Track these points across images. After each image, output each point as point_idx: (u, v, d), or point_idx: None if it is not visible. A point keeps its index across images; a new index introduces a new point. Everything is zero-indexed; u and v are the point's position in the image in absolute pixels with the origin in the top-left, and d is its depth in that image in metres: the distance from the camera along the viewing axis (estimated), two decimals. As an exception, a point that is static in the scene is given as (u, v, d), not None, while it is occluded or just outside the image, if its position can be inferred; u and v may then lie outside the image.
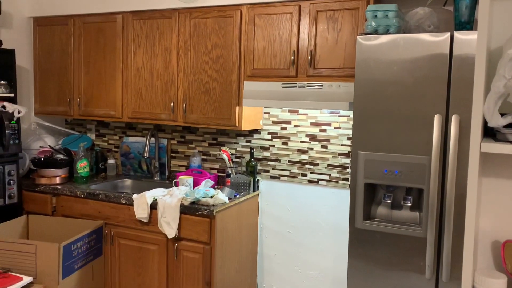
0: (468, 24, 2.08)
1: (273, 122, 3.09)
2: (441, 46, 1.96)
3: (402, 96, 2.05)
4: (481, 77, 0.84)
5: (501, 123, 0.87)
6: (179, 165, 3.45)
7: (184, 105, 2.98)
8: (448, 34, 1.95)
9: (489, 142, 0.89)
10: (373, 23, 2.17)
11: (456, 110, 1.94)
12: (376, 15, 2.17)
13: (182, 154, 3.44)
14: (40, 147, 3.38)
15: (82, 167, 3.22)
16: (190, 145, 3.40)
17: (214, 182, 3.01)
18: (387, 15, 2.15)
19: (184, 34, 2.97)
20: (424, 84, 2.00)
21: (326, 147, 2.94)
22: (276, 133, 3.09)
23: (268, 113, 3.11)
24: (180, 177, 2.95)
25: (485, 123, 0.97)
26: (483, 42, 0.81)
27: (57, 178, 3.18)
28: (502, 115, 0.90)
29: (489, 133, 0.99)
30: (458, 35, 1.93)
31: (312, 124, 2.97)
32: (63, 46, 3.44)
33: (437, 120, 1.96)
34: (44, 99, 3.56)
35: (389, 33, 2.14)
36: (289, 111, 3.04)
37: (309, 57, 2.59)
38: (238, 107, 2.83)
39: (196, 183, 2.95)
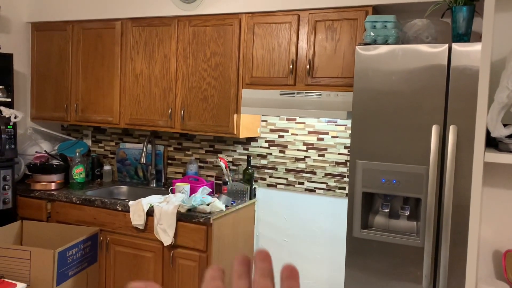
0: (466, 36, 2.11)
1: (271, 130, 3.10)
2: (439, 57, 1.98)
3: (400, 106, 2.07)
4: (485, 88, 0.85)
5: (504, 133, 0.88)
6: (176, 172, 3.44)
7: (182, 112, 2.99)
8: (446, 45, 1.97)
9: (492, 152, 0.90)
10: (372, 34, 2.19)
11: (454, 121, 1.96)
12: (375, 26, 2.20)
13: (179, 161, 3.43)
14: (36, 152, 3.36)
15: (78, 173, 3.21)
16: (187, 152, 3.40)
17: (211, 190, 3.00)
18: (386, 26, 2.18)
19: (183, 41, 2.99)
20: (422, 94, 2.02)
21: (323, 155, 2.95)
22: (274, 141, 3.09)
23: (266, 121, 3.11)
24: (176, 184, 2.94)
25: (486, 133, 0.98)
26: (487, 54, 0.82)
27: (53, 184, 3.16)
28: (504, 125, 0.91)
29: (491, 143, 1.00)
30: (456, 46, 1.96)
31: (310, 132, 2.98)
32: (61, 51, 3.44)
33: (434, 130, 1.98)
34: (41, 104, 3.54)
35: (388, 44, 2.16)
36: (287, 119, 3.05)
37: (308, 66, 2.61)
38: (236, 114, 2.83)
39: (192, 191, 2.94)
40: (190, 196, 2.81)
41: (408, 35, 2.26)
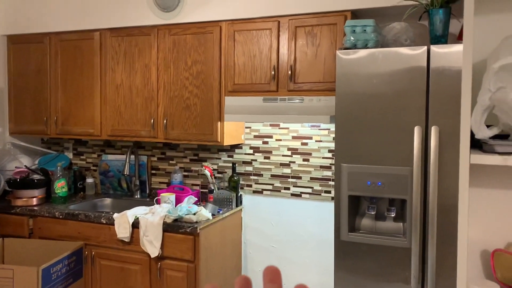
0: (443, 37, 2.15)
1: (255, 136, 3.10)
2: (419, 59, 2.01)
3: (383, 109, 2.09)
4: (468, 91, 0.87)
5: (487, 134, 0.90)
6: (160, 182, 3.41)
7: (165, 121, 2.96)
8: (425, 47, 2.01)
9: (477, 153, 0.91)
10: (352, 38, 2.22)
11: (435, 121, 1.98)
12: (354, 30, 2.22)
13: (163, 171, 3.40)
14: (15, 167, 3.28)
15: (60, 187, 3.14)
16: (171, 162, 3.36)
17: (196, 199, 2.98)
18: (365, 30, 2.20)
19: (163, 50, 2.97)
20: (403, 96, 2.04)
21: (308, 160, 2.95)
22: (258, 148, 3.09)
23: (250, 127, 3.11)
24: (161, 194, 2.91)
25: (470, 135, 0.99)
26: (469, 57, 0.84)
27: (34, 199, 3.09)
28: (488, 126, 0.92)
29: (475, 144, 1.01)
30: (434, 48, 1.99)
31: (294, 137, 2.99)
32: (38, 64, 3.38)
33: (417, 132, 2.00)
34: (20, 118, 3.47)
35: (368, 48, 2.18)
36: (271, 125, 3.05)
37: (289, 72, 2.62)
38: (219, 122, 2.82)
39: (178, 200, 2.92)
40: (175, 206, 2.78)
41: (387, 38, 2.29)
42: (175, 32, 2.93)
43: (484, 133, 0.89)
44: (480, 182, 1.08)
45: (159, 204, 2.88)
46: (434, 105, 1.99)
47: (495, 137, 0.94)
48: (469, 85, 0.86)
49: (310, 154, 2.95)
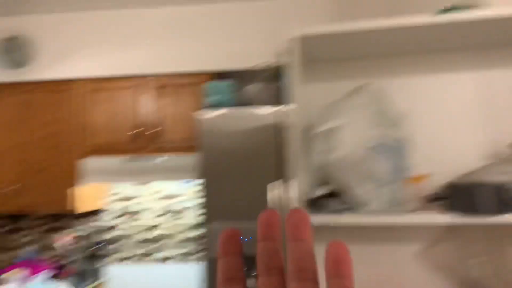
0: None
1: (118, 199, 2.91)
2: (270, 118, 2.13)
3: (243, 165, 2.13)
4: (298, 155, 0.91)
5: (317, 194, 0.95)
6: (3, 261, 2.95)
7: (11, 188, 2.62)
8: (276, 107, 2.14)
9: (315, 213, 0.96)
10: (212, 98, 2.27)
11: (291, 175, 2.08)
12: (214, 91, 2.28)
13: (10, 246, 2.96)
14: None
15: None
16: (22, 233, 2.96)
17: (52, 274, 2.63)
18: (224, 91, 2.28)
19: (11, 109, 2.68)
20: (260, 152, 2.12)
21: (178, 219, 2.86)
22: (123, 211, 2.90)
23: (113, 189, 2.92)
24: (6, 273, 2.51)
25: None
26: (298, 121, 0.89)
27: None
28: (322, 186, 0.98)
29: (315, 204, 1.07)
30: (282, 108, 2.14)
31: (161, 198, 2.88)
32: None
33: (274, 186, 2.08)
34: None
35: (227, 107, 2.25)
36: (136, 185, 2.91)
37: (154, 131, 2.56)
38: (76, 186, 2.60)
39: (30, 278, 2.54)
40: (26, 286, 2.42)
41: (244, 98, 2.40)
42: (25, 90, 2.68)
43: (314, 193, 0.94)
44: (343, 238, 1.13)
45: (5, 285, 2.47)
46: (288, 159, 2.10)
47: (331, 195, 1.00)
48: (299, 148, 0.91)
49: (180, 213, 2.86)
